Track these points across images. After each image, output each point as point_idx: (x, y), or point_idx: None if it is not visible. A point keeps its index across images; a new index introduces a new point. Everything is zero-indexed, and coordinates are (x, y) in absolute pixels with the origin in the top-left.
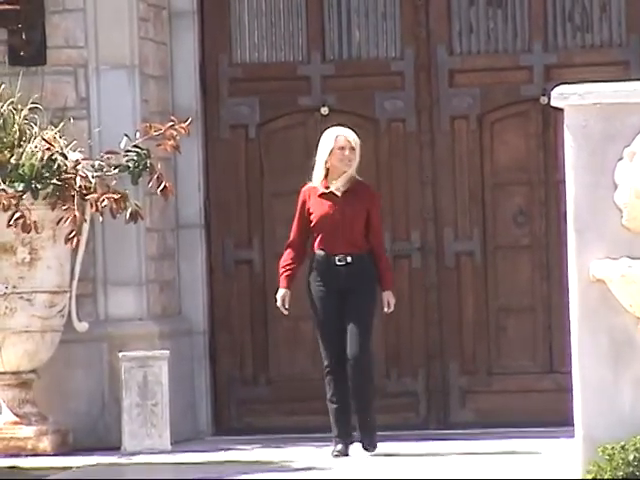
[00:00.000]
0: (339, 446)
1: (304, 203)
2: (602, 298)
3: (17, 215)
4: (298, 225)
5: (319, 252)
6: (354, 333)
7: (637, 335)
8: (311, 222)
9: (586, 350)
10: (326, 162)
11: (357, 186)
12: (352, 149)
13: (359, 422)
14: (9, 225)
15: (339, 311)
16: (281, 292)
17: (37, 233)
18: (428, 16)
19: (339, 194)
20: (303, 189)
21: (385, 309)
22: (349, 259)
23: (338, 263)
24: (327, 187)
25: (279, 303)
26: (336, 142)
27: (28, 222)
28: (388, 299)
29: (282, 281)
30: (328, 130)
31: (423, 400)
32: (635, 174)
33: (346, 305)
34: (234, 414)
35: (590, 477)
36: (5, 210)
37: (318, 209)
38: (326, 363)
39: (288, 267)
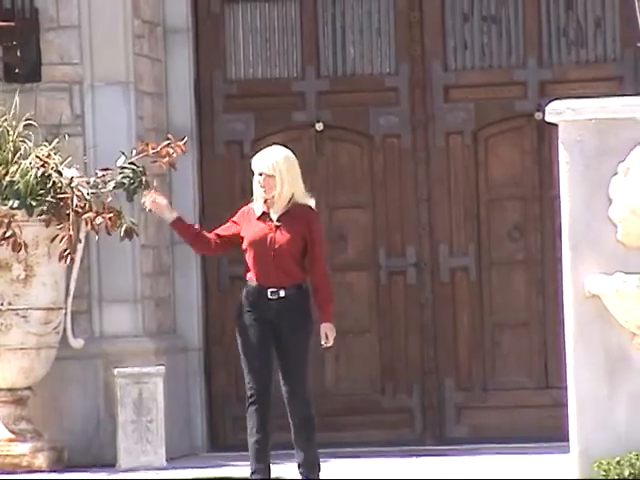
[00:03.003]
0: None
1: (239, 220)
2: (597, 313)
3: (8, 234)
4: (223, 229)
5: (250, 282)
6: (289, 372)
7: (632, 350)
8: (242, 246)
9: (581, 365)
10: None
11: (296, 210)
12: (269, 176)
13: (302, 460)
14: (0, 243)
15: (269, 341)
16: (173, 214)
17: (26, 252)
18: (423, 32)
19: (274, 219)
20: (246, 207)
21: (322, 342)
22: (282, 293)
23: (270, 297)
24: (266, 211)
25: (151, 196)
26: (255, 168)
27: (19, 241)
28: (326, 332)
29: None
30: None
31: (418, 416)
32: (630, 189)
33: (278, 339)
34: (229, 430)
35: None
36: None
37: (249, 233)
38: (249, 393)
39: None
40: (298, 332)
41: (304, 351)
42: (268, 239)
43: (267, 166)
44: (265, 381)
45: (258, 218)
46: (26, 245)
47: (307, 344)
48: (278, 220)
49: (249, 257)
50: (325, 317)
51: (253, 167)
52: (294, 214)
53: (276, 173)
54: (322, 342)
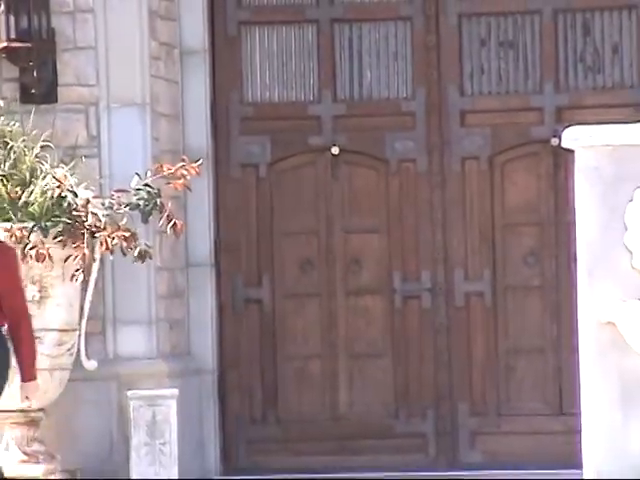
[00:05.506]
0: None
1: None
2: (612, 340)
3: (30, 245)
4: None
5: None
6: None
7: None
8: None
9: (596, 392)
10: None
11: None
12: None
13: None
14: (24, 257)
15: None
16: None
17: (51, 262)
18: (439, 57)
19: None
20: None
21: (21, 402)
22: None
23: None
24: None
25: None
26: None
27: (41, 251)
28: (26, 393)
29: None
30: None
31: (432, 441)
32: None
33: None
34: (243, 453)
35: None
36: (18, 242)
37: None
38: None
39: None
40: None
41: None
42: None
43: None
44: None
45: None
46: (50, 256)
47: None
48: None
49: None
50: (25, 375)
51: None
52: None
53: None
54: (21, 402)
